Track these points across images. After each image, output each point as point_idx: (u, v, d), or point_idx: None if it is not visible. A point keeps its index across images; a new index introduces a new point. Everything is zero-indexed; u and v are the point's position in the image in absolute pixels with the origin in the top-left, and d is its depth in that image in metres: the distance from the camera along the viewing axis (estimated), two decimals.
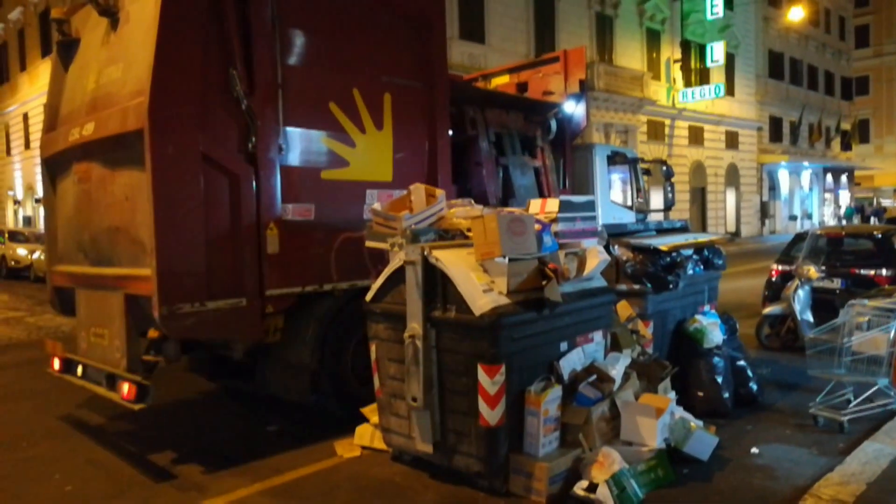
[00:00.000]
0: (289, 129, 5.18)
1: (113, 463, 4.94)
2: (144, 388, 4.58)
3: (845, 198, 42.85)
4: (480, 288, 4.23)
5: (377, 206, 4.85)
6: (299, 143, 5.30)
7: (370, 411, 5.01)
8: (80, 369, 5.35)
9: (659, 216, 12.26)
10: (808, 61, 38.79)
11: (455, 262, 4.34)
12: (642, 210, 9.79)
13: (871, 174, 45.76)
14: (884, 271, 8.18)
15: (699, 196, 30.21)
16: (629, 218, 9.10)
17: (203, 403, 6.48)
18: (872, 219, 34.53)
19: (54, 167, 5.89)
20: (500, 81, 9.50)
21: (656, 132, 27.39)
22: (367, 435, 5.01)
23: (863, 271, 8.31)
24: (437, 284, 4.33)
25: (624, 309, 5.50)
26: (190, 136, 4.62)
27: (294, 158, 5.25)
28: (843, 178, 43.06)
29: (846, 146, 42.88)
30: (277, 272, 5.04)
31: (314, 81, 5.41)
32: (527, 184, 7.77)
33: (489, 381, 4.09)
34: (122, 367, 4.83)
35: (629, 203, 9.73)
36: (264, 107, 5.02)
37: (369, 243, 4.89)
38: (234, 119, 4.90)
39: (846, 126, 42.79)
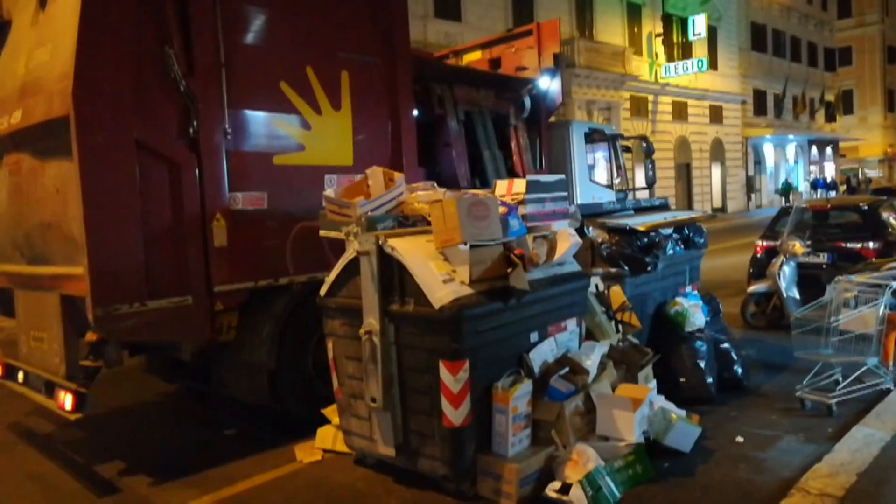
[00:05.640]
0: (235, 111, 4.80)
1: (55, 476, 4.61)
2: (82, 396, 4.24)
3: (830, 170, 42.75)
4: (440, 278, 3.91)
5: (330, 192, 4.49)
6: (248, 127, 4.91)
7: (332, 412, 4.70)
8: (20, 375, 5.00)
9: (640, 194, 11.96)
10: (790, 33, 38.46)
11: (413, 251, 4.01)
12: (623, 189, 9.47)
13: (855, 145, 45.68)
14: (871, 244, 7.94)
15: (684, 172, 29.96)
16: (609, 197, 8.78)
17: (160, 407, 6.14)
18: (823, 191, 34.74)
19: None
20: (473, 58, 9.10)
21: (639, 108, 27.03)
22: (329, 437, 4.71)
23: (849, 245, 8.06)
24: (394, 276, 4.00)
25: (617, 296, 5.20)
26: (121, 121, 4.23)
27: (242, 143, 4.87)
28: (828, 149, 42.97)
29: (830, 118, 42.73)
30: (226, 267, 4.69)
31: (262, 60, 5.02)
32: (499, 165, 7.42)
33: (452, 378, 3.78)
34: (62, 374, 4.48)
35: (609, 182, 9.41)
36: (206, 88, 4.63)
37: (323, 232, 4.55)
38: (172, 102, 4.51)
39: (830, 97, 42.60)
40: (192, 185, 4.55)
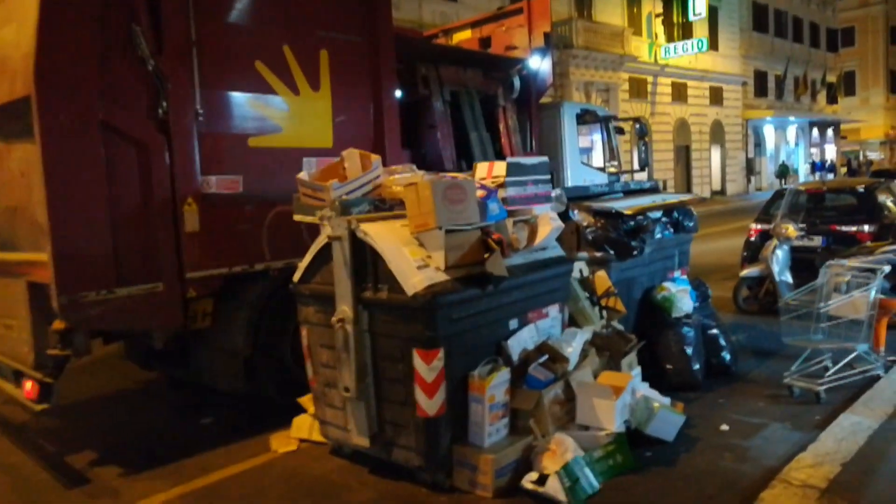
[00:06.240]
0: (207, 91, 4.64)
1: (26, 467, 4.52)
2: (48, 386, 4.14)
3: (831, 152, 42.41)
4: (414, 264, 3.78)
5: (304, 174, 4.35)
6: (221, 108, 4.77)
7: (308, 401, 4.60)
8: None
9: (637, 177, 11.78)
10: (792, 13, 37.91)
11: (386, 236, 3.88)
12: (616, 171, 9.30)
13: (857, 127, 45.23)
14: (866, 227, 7.79)
15: (683, 154, 29.66)
16: (601, 180, 8.62)
17: (137, 395, 6.03)
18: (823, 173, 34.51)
19: None
20: (462, 37, 8.89)
21: (639, 90, 26.70)
22: (305, 427, 4.61)
23: (844, 228, 7.91)
24: (368, 262, 3.88)
25: (602, 281, 5.08)
26: (86, 102, 4.08)
27: (215, 124, 4.72)
28: (830, 131, 42.58)
29: (832, 99, 42.26)
30: (199, 252, 4.56)
31: (236, 37, 4.86)
32: (487, 147, 7.26)
33: (426, 367, 3.67)
34: (30, 363, 4.37)
35: (602, 164, 9.24)
36: (176, 67, 4.48)
37: (297, 217, 4.41)
38: (140, 82, 4.36)
39: (832, 79, 42.11)
40: (162, 168, 4.41)
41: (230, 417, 5.26)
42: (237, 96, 4.86)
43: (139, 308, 4.31)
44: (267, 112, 5.02)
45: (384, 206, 4.30)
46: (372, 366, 3.92)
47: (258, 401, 5.20)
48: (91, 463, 4.51)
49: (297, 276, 4.28)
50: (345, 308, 3.90)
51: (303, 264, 4.24)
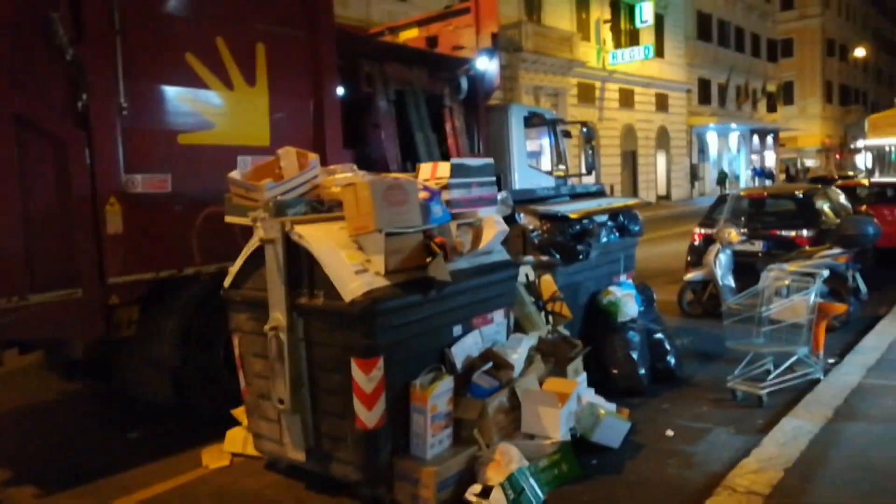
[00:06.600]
0: (132, 84, 4.35)
1: None
2: None
3: (771, 159, 43.87)
4: (352, 269, 3.60)
5: (235, 173, 4.12)
6: (147, 101, 4.48)
7: (242, 413, 4.35)
8: None
9: (585, 180, 11.82)
10: (735, 23, 39.09)
11: (323, 239, 3.69)
12: (564, 174, 9.28)
13: (795, 135, 46.96)
14: (805, 232, 7.96)
15: (630, 160, 30.18)
16: (549, 183, 8.58)
17: (59, 408, 5.65)
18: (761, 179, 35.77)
19: None
20: (409, 35, 8.73)
21: (587, 95, 27.03)
22: (238, 440, 4.37)
23: (784, 233, 8.07)
24: (303, 266, 3.68)
25: (548, 285, 4.98)
26: None
27: (141, 119, 4.43)
28: (769, 139, 44.06)
29: (772, 108, 43.77)
30: (122, 256, 4.27)
31: (164, 28, 4.59)
32: (433, 148, 7.12)
33: (364, 377, 3.49)
34: None
35: (550, 167, 9.21)
36: (97, 57, 4.19)
37: (229, 218, 4.17)
38: (57, 73, 4.05)
39: (772, 88, 43.60)
40: (81, 165, 4.12)
41: (159, 431, 4.96)
42: (166, 90, 4.58)
43: (56, 316, 4.00)
44: (198, 107, 4.75)
45: (322, 207, 4.11)
46: (308, 376, 3.72)
47: (190, 413, 4.91)
48: (3, 483, 4.16)
49: (228, 282, 4.04)
50: (278, 315, 3.69)
51: (234, 269, 4.01)
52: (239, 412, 4.39)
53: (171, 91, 4.60)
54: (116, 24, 4.26)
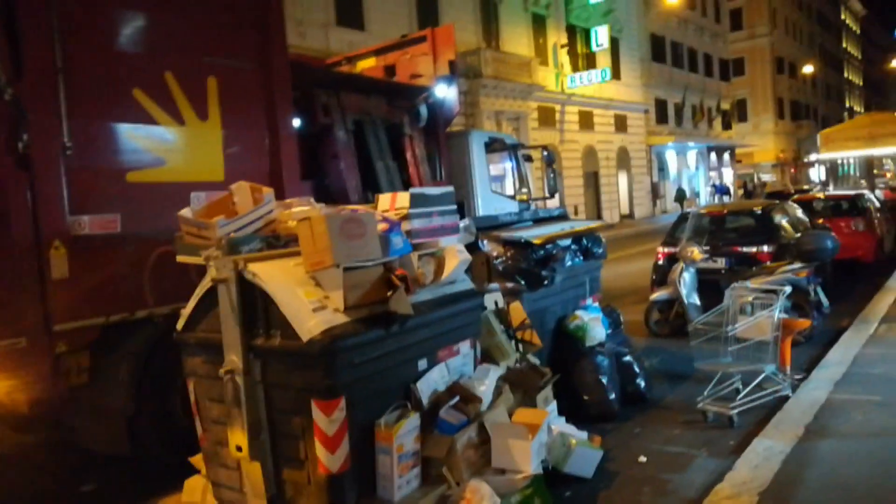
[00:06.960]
0: (76, 122, 4.19)
1: None
2: None
3: (728, 175, 44.90)
4: (310, 306, 3.46)
5: (186, 211, 3.97)
6: (93, 140, 4.32)
7: (200, 461, 4.15)
8: None
9: (549, 204, 11.86)
10: (688, 44, 40.22)
11: (278, 277, 3.55)
12: (526, 199, 9.29)
13: (750, 151, 48.29)
14: (765, 248, 8.07)
15: (592, 180, 30.60)
16: (512, 208, 8.56)
17: (9, 459, 5.34)
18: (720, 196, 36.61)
19: None
20: (367, 65, 8.71)
21: (547, 118, 27.40)
22: (198, 489, 4.14)
23: (745, 249, 8.17)
24: (258, 305, 3.53)
25: (517, 312, 4.89)
26: None
27: (87, 158, 4.26)
28: (726, 155, 45.18)
29: (726, 125, 44.96)
30: (69, 301, 4.07)
31: (110, 64, 4.44)
32: (394, 176, 7.05)
33: (326, 419, 3.34)
34: None
35: (512, 192, 9.21)
36: (38, 96, 4.02)
37: (181, 258, 4.01)
38: None
39: (726, 106, 44.83)
40: (23, 208, 3.93)
41: (115, 482, 4.71)
42: (113, 127, 4.43)
43: None
44: (147, 144, 4.60)
45: (278, 243, 3.97)
46: (267, 420, 3.55)
47: (146, 462, 4.68)
48: None
49: (180, 324, 3.86)
50: (234, 358, 3.53)
51: (186, 310, 3.84)
52: (197, 460, 4.18)
53: (118, 128, 4.45)
54: (58, 62, 4.11)
